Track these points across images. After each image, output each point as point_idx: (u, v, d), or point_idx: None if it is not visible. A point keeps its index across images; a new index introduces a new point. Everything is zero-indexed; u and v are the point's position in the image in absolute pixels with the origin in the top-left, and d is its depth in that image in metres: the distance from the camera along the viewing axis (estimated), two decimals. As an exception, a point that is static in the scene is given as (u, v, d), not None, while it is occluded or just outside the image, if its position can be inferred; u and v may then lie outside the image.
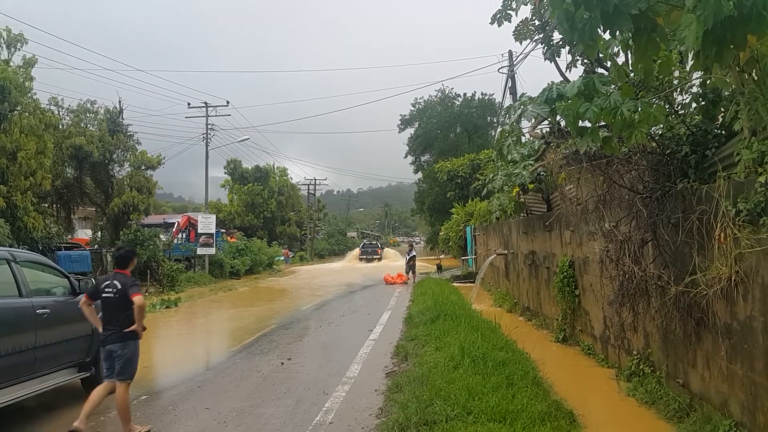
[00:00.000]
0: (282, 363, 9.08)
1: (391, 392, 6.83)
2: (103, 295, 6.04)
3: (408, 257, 27.16)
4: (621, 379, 7.08)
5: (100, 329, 6.07)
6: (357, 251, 52.83)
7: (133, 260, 6.51)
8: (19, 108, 19.10)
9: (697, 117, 6.02)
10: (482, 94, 49.16)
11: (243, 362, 9.47)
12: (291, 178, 59.06)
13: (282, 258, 45.59)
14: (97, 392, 5.97)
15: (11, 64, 20.07)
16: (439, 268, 31.17)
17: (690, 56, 4.71)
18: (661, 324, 6.09)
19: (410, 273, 26.08)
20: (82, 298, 6.34)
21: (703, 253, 5.15)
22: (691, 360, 5.67)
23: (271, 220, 52.38)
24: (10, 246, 15.86)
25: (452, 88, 50.66)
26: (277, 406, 6.88)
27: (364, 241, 61.72)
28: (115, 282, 6.02)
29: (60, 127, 23.25)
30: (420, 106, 50.50)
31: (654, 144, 6.18)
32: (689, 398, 5.68)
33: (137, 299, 5.87)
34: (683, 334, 5.68)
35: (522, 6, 8.35)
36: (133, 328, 5.91)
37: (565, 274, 9.31)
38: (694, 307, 5.30)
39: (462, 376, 6.61)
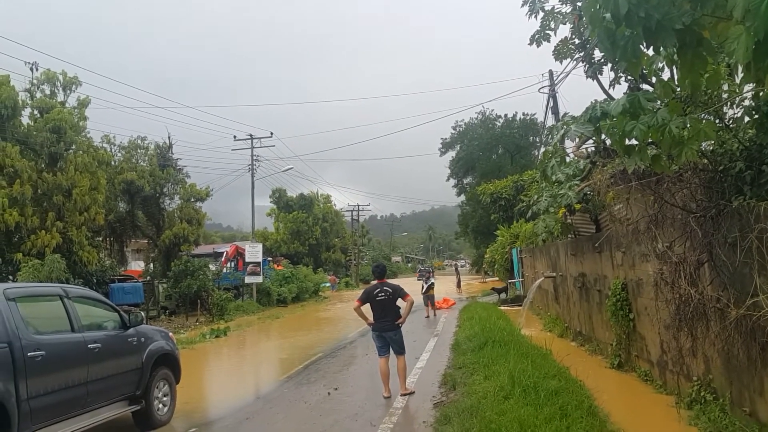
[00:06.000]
0: (329, 393, 9.01)
1: (440, 424, 6.65)
2: (377, 298, 8.35)
3: (425, 285, 21.01)
4: (681, 406, 6.70)
5: (367, 323, 8.56)
6: (416, 274, 68.77)
7: (386, 270, 8.96)
8: (73, 147, 20.01)
9: (750, 131, 5.75)
10: (524, 114, 48.83)
11: (290, 392, 9.45)
12: (335, 205, 59.75)
13: (328, 285, 45.74)
14: (385, 366, 8.35)
15: (66, 105, 21.13)
16: (499, 292, 24.59)
17: (740, 68, 4.51)
18: (722, 349, 5.75)
19: (428, 305, 20.64)
20: (355, 303, 8.52)
21: (765, 274, 4.85)
22: (757, 387, 5.33)
23: (317, 246, 52.86)
24: (66, 280, 16.49)
25: (492, 110, 50.44)
26: (324, 438, 6.81)
27: (420, 266, 79.98)
28: (386, 288, 8.43)
29: (112, 163, 24.20)
30: (461, 129, 50.45)
31: (706, 161, 5.93)
32: (758, 429, 5.31)
33: (410, 299, 8.52)
34: (747, 360, 5.35)
35: (561, 25, 8.24)
36: (400, 321, 8.44)
37: (618, 297, 8.96)
38: (758, 330, 4.98)
39: (513, 407, 6.38)
